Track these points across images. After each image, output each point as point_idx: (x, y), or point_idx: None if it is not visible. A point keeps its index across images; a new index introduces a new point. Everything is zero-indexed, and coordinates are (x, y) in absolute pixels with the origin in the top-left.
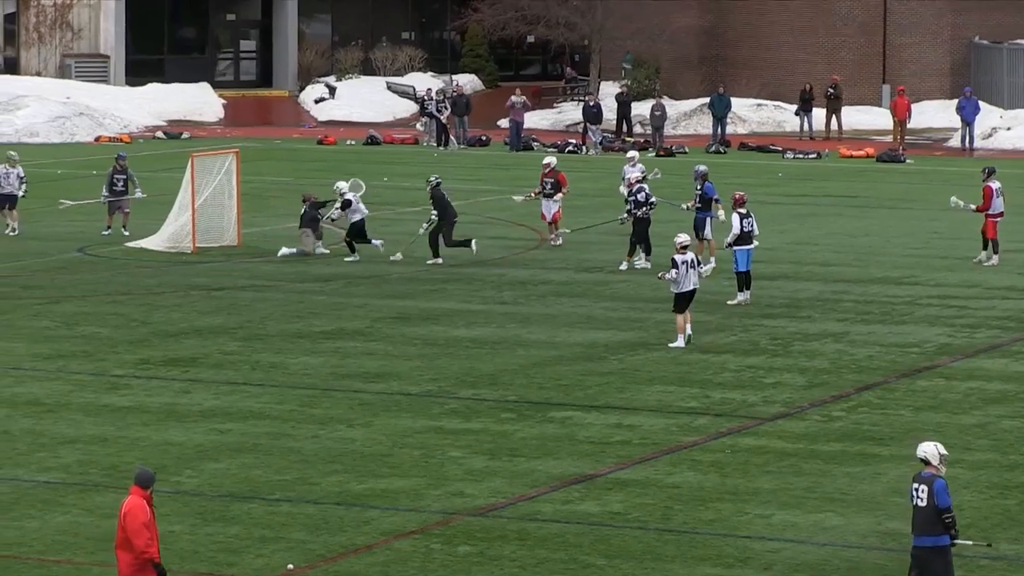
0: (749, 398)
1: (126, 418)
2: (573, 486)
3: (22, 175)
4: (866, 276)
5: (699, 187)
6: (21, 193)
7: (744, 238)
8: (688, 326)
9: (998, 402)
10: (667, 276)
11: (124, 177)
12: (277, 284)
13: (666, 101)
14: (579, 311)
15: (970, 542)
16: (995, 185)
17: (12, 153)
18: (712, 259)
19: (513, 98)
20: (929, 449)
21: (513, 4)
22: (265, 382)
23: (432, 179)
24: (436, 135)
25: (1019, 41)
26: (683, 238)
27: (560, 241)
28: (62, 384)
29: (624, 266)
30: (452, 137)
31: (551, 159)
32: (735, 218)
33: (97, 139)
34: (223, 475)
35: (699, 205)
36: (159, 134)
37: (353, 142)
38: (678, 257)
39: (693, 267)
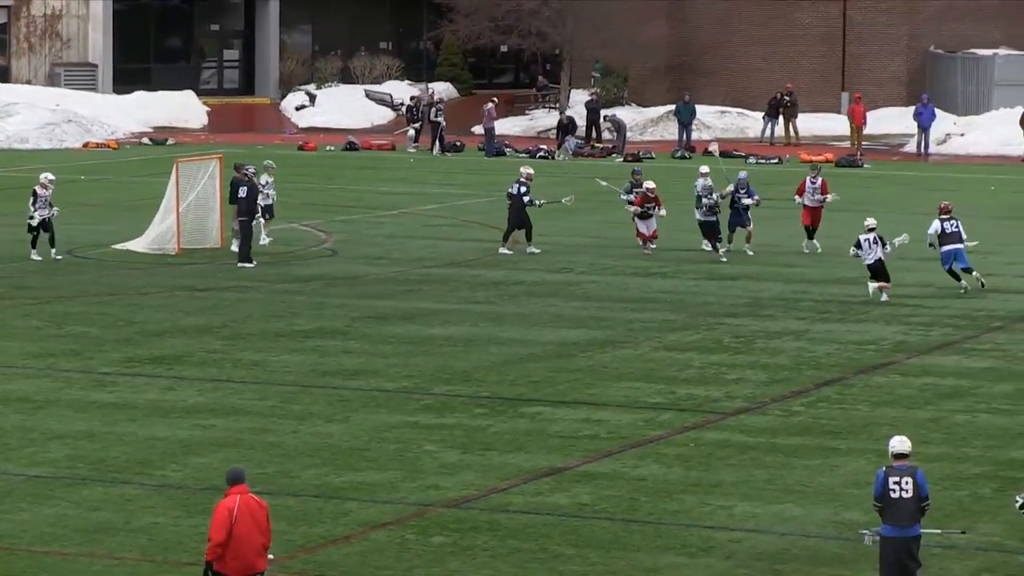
0: (712, 394)
1: (113, 414)
2: (543, 479)
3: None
4: (826, 276)
5: (744, 191)
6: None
7: (953, 236)
8: (884, 294)
9: (951, 397)
10: (856, 254)
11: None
12: (259, 285)
13: (633, 108)
14: (550, 310)
15: (938, 531)
16: (810, 181)
17: (269, 162)
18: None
19: (486, 105)
20: (907, 442)
21: (487, 15)
22: (247, 379)
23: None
24: (433, 140)
25: (973, 51)
26: (871, 221)
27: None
28: (51, 381)
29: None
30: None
31: (652, 183)
32: (936, 222)
33: (85, 145)
34: (207, 469)
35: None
36: (145, 140)
37: (333, 148)
38: (862, 236)
39: (876, 243)
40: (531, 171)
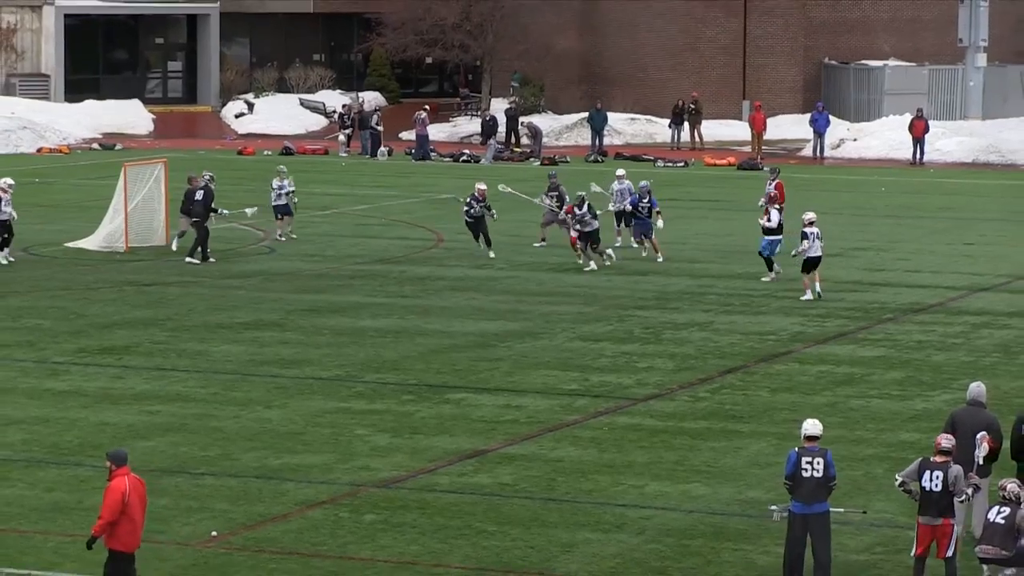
0: (624, 381)
1: (66, 401)
2: (467, 460)
3: (291, 188)
4: (729, 272)
5: (647, 200)
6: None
7: (775, 230)
8: (817, 284)
9: (846, 384)
10: (801, 248)
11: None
12: (201, 280)
13: (549, 115)
14: (472, 304)
15: (841, 509)
16: (768, 184)
17: (281, 167)
18: (660, 255)
19: (418, 113)
20: (819, 425)
21: (413, 28)
22: (191, 368)
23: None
24: (371, 146)
25: (864, 62)
26: (810, 215)
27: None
28: (7, 371)
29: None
30: (380, 148)
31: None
32: (774, 213)
33: (39, 150)
34: (153, 452)
35: (646, 214)
36: (95, 146)
37: (269, 152)
38: (808, 230)
39: (819, 239)
40: (483, 187)
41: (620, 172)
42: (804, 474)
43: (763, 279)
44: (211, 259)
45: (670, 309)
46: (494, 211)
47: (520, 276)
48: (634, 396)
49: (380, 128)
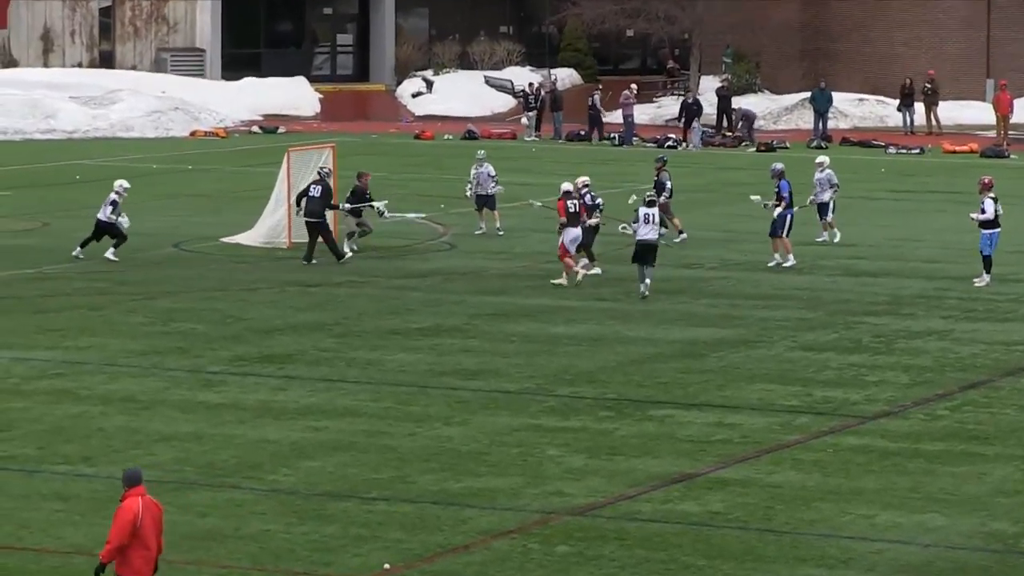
0: (851, 396)
1: (221, 415)
2: (673, 485)
3: (493, 173)
4: (970, 273)
5: (776, 186)
6: (494, 191)
7: (991, 223)
8: None
9: None
10: None
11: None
12: (373, 280)
13: (766, 95)
14: (678, 308)
15: None
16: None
17: (480, 152)
18: (791, 258)
19: (625, 92)
20: None
21: None
22: (361, 379)
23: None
24: (596, 130)
25: None
26: None
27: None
28: (157, 381)
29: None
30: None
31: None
32: (988, 203)
33: (192, 134)
34: (319, 473)
35: (777, 203)
36: (255, 129)
37: (451, 137)
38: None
39: None
40: (584, 180)
41: (820, 159)
42: None
43: (976, 282)
44: (347, 254)
45: (904, 315)
46: (599, 210)
47: (733, 277)
48: (863, 414)
49: (602, 108)
